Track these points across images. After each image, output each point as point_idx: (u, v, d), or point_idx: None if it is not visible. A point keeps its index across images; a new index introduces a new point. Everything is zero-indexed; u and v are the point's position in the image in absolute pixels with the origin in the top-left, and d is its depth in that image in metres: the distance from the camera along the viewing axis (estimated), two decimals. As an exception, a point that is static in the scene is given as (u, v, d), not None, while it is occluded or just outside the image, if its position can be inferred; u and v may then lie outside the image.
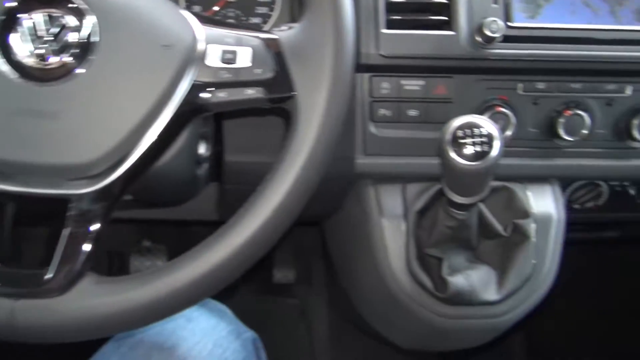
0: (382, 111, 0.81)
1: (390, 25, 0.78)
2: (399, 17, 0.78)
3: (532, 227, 0.83)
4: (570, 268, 1.60)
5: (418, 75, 0.80)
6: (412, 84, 0.80)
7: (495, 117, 0.81)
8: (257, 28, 0.77)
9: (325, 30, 0.57)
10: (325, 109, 0.56)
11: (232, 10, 0.90)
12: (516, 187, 0.86)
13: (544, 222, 0.85)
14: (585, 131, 0.81)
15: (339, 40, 0.57)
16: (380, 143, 0.83)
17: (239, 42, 0.58)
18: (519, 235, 0.83)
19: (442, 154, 0.67)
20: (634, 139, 0.83)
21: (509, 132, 0.81)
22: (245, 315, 1.62)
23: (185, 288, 0.53)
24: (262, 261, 1.58)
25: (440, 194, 0.80)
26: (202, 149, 0.81)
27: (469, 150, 0.65)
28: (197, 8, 0.90)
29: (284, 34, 0.59)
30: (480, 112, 0.81)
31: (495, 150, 0.65)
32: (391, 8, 0.78)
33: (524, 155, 0.85)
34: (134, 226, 1.50)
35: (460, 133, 0.66)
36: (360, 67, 0.79)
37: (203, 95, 0.57)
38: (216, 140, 0.89)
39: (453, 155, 0.65)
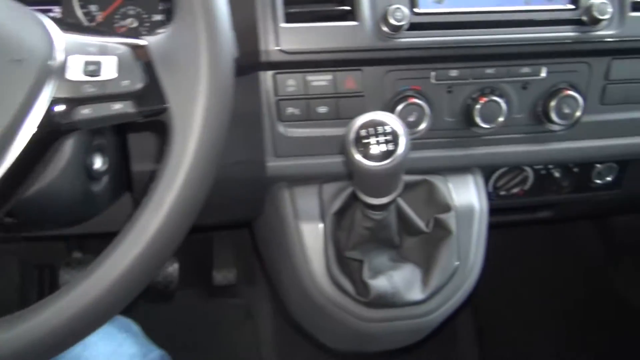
0: (290, 110, 0.77)
1: (290, 18, 0.73)
2: (298, 10, 0.73)
3: (454, 221, 0.80)
4: (509, 249, 1.61)
5: (325, 69, 0.76)
6: (320, 80, 0.76)
7: (409, 109, 0.77)
8: (132, 34, 0.70)
9: (196, 33, 0.51)
10: (202, 121, 0.51)
11: (132, 8, 0.84)
12: (436, 180, 0.83)
13: (466, 214, 0.82)
14: (502, 117, 0.79)
15: (213, 43, 0.52)
16: (290, 143, 0.78)
17: (104, 51, 0.52)
18: (441, 230, 0.80)
19: (346, 156, 0.63)
20: (553, 122, 0.80)
21: (424, 124, 0.78)
22: (189, 319, 1.58)
23: (48, 335, 0.48)
24: (202, 263, 1.53)
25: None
26: (98, 163, 0.75)
27: (374, 150, 0.61)
28: (93, 7, 0.83)
29: (154, 39, 0.53)
30: (394, 105, 0.77)
31: (401, 148, 0.61)
32: (289, 0, 0.73)
33: (442, 146, 0.81)
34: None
35: (363, 132, 0.61)
36: (262, 65, 0.74)
37: (64, 112, 0.51)
38: (123, 150, 0.83)
39: (357, 156, 0.61)
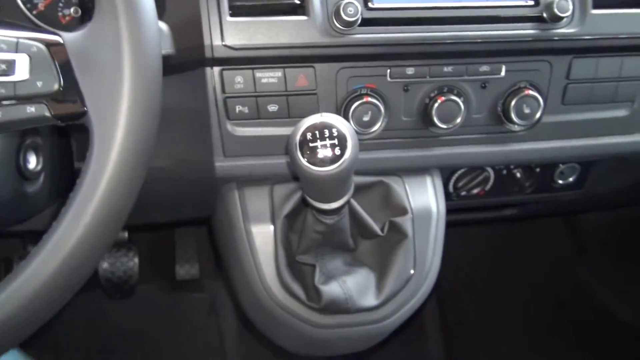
0: (239, 108, 0.73)
1: (236, 12, 0.69)
2: (245, 3, 0.69)
3: (410, 225, 0.77)
4: (477, 245, 1.60)
5: (275, 66, 0.72)
6: (269, 77, 0.72)
7: (364, 108, 0.74)
8: (75, 25, 0.66)
9: (118, 30, 0.47)
10: (124, 127, 0.47)
11: None
12: (393, 181, 0.80)
13: (423, 217, 0.80)
14: (460, 117, 0.76)
15: (136, 40, 0.48)
16: (239, 143, 0.75)
17: (16, 48, 0.47)
18: (397, 234, 0.77)
19: (292, 160, 0.59)
20: (513, 122, 0.78)
21: (380, 124, 0.75)
22: (151, 314, 1.55)
23: None
24: (164, 257, 1.49)
25: None
26: (32, 163, 0.71)
27: (321, 154, 0.58)
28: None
29: (71, 36, 0.49)
30: (348, 103, 0.74)
31: (349, 152, 0.58)
32: (236, -8, 0.69)
33: (399, 147, 0.78)
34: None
35: (309, 136, 0.58)
36: (208, 61, 0.70)
37: None
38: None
39: (303, 161, 0.58)
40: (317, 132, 0.58)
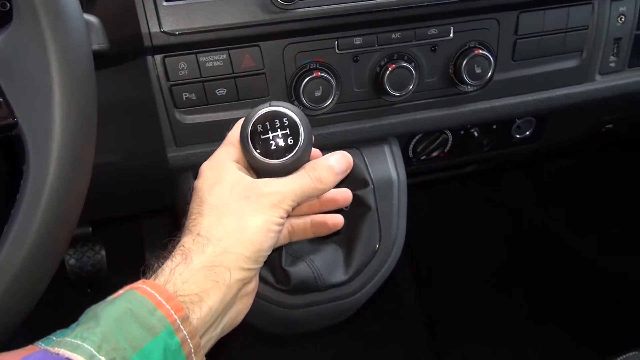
0: (186, 95, 0.71)
1: None
2: (180, -14, 0.66)
3: (372, 197, 0.77)
4: (443, 201, 1.62)
5: (219, 49, 0.70)
6: (214, 60, 0.70)
7: (315, 84, 0.72)
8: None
9: (39, 31, 0.44)
10: (59, 134, 0.45)
11: None
12: (351, 154, 0.79)
13: (385, 187, 0.79)
14: (413, 83, 0.75)
15: (60, 40, 0.45)
16: (190, 131, 0.72)
17: None
18: (360, 207, 0.77)
19: (245, 153, 0.57)
20: (465, 83, 0.77)
21: (332, 97, 0.73)
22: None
23: None
24: (133, 248, 1.46)
25: None
26: None
27: (274, 145, 0.55)
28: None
29: None
30: (298, 80, 0.72)
31: (302, 140, 0.56)
32: (169, -25, 0.66)
33: (354, 119, 0.77)
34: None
35: (260, 128, 0.56)
36: (148, 49, 0.68)
37: None
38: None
39: (257, 155, 0.56)
40: (267, 123, 0.56)
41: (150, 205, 0.99)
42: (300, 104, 0.72)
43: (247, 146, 0.56)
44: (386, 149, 0.81)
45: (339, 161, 0.60)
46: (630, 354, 0.86)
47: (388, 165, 0.80)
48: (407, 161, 0.89)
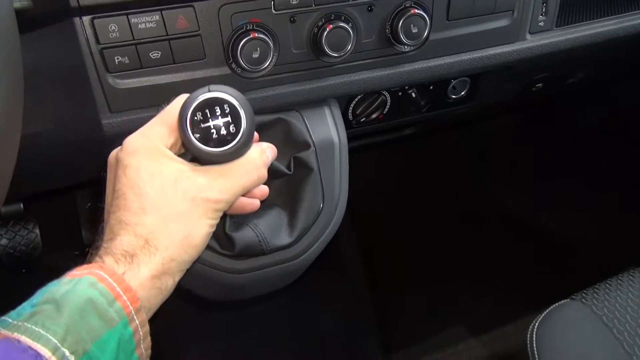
0: (118, 59, 0.68)
1: None
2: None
3: (314, 158, 0.77)
4: (383, 165, 1.64)
5: (151, 9, 0.67)
6: (146, 21, 0.67)
7: (252, 45, 0.71)
8: None
9: None
10: None
11: None
12: (292, 117, 0.79)
13: (326, 149, 0.79)
14: (351, 44, 0.75)
15: None
16: (125, 96, 0.70)
17: None
18: (303, 170, 0.77)
19: (185, 142, 0.54)
20: (402, 43, 0.78)
21: (270, 59, 0.72)
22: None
23: None
24: (69, 224, 1.42)
25: None
26: None
27: (215, 133, 0.53)
28: None
29: None
30: (234, 42, 0.71)
31: (244, 126, 0.53)
32: None
33: (293, 81, 0.77)
34: None
35: (200, 116, 0.53)
36: (74, 10, 0.64)
37: None
38: None
39: (196, 142, 0.53)
40: (207, 110, 0.53)
41: (84, 177, 0.96)
42: (238, 66, 0.71)
43: (187, 133, 0.53)
44: (326, 110, 0.81)
45: (272, 154, 0.60)
46: (563, 301, 0.91)
47: (329, 127, 0.80)
48: (347, 124, 0.90)
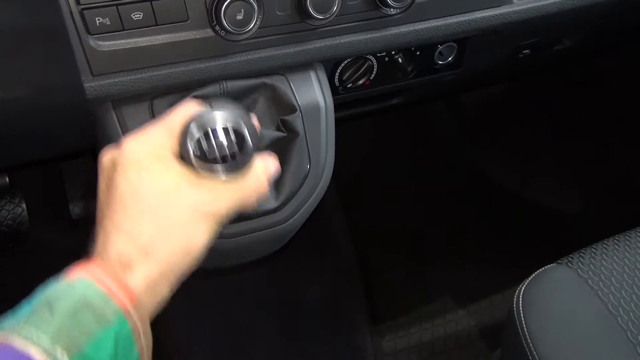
0: (99, 20, 0.67)
1: None
2: None
3: (300, 122, 0.76)
4: (370, 136, 1.64)
5: (131, -32, 0.66)
6: None
7: (236, 6, 0.69)
8: None
9: None
10: None
11: None
12: (277, 81, 0.78)
13: (312, 113, 0.79)
14: (336, 6, 0.74)
15: None
16: (107, 59, 0.69)
17: None
18: (289, 133, 0.77)
19: (184, 155, 0.53)
20: (388, 6, 0.77)
21: (254, 21, 0.71)
22: (49, 259, 1.48)
23: None
24: (55, 197, 1.41)
25: None
26: None
27: (217, 152, 0.52)
28: None
29: None
30: (218, 3, 0.69)
31: (249, 144, 0.53)
32: None
33: (278, 44, 0.76)
34: None
35: (204, 145, 0.52)
36: (53, -30, 0.63)
37: None
38: None
39: (210, 174, 0.52)
40: (210, 141, 0.52)
41: (69, 146, 0.95)
42: (222, 28, 0.70)
43: (198, 169, 0.52)
44: (312, 74, 0.81)
45: (275, 168, 0.59)
46: (549, 265, 0.92)
47: (315, 91, 0.80)
48: (334, 90, 0.89)
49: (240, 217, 0.74)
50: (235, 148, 0.52)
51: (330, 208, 1.54)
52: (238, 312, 1.40)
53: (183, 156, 0.53)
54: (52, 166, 1.39)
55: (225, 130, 0.52)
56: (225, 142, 0.52)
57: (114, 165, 0.53)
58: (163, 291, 0.51)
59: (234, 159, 0.52)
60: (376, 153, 1.66)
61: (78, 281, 0.46)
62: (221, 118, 0.53)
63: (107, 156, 0.55)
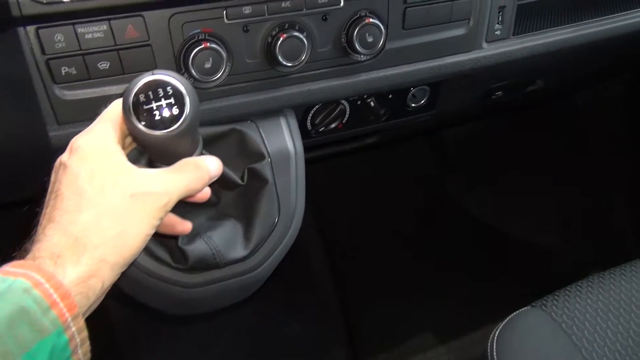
0: (65, 69, 0.66)
1: None
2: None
3: (269, 169, 0.76)
4: (347, 175, 1.64)
5: (98, 19, 0.65)
6: (94, 31, 0.66)
7: (205, 55, 0.70)
8: None
9: None
10: None
11: None
12: (246, 127, 0.78)
13: (281, 160, 0.78)
14: (306, 53, 0.74)
15: None
16: (73, 108, 0.68)
17: None
18: (258, 181, 0.76)
19: (128, 126, 0.54)
20: (358, 52, 0.77)
21: (223, 69, 0.71)
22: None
23: None
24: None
25: None
26: None
27: (158, 116, 0.53)
28: None
29: None
30: (186, 52, 0.69)
31: (188, 109, 0.54)
32: None
33: (247, 91, 0.76)
34: None
35: (142, 97, 0.53)
36: (17, 20, 0.63)
37: None
38: None
39: (140, 126, 0.53)
40: (150, 93, 0.53)
41: (30, 191, 0.93)
42: (190, 76, 0.70)
43: (130, 118, 0.53)
44: (282, 121, 0.80)
45: (217, 166, 0.60)
46: (524, 308, 0.92)
47: (284, 137, 0.79)
48: (306, 134, 0.89)
49: (207, 266, 0.73)
50: (174, 104, 0.53)
51: (309, 245, 1.53)
52: (217, 353, 1.37)
53: (127, 127, 0.54)
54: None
55: (162, 89, 0.53)
56: (160, 92, 0.53)
57: (63, 166, 0.53)
58: (96, 287, 0.49)
59: (173, 117, 0.53)
60: (353, 190, 1.66)
61: (17, 282, 0.44)
62: (151, 74, 0.54)
63: (57, 161, 0.55)
